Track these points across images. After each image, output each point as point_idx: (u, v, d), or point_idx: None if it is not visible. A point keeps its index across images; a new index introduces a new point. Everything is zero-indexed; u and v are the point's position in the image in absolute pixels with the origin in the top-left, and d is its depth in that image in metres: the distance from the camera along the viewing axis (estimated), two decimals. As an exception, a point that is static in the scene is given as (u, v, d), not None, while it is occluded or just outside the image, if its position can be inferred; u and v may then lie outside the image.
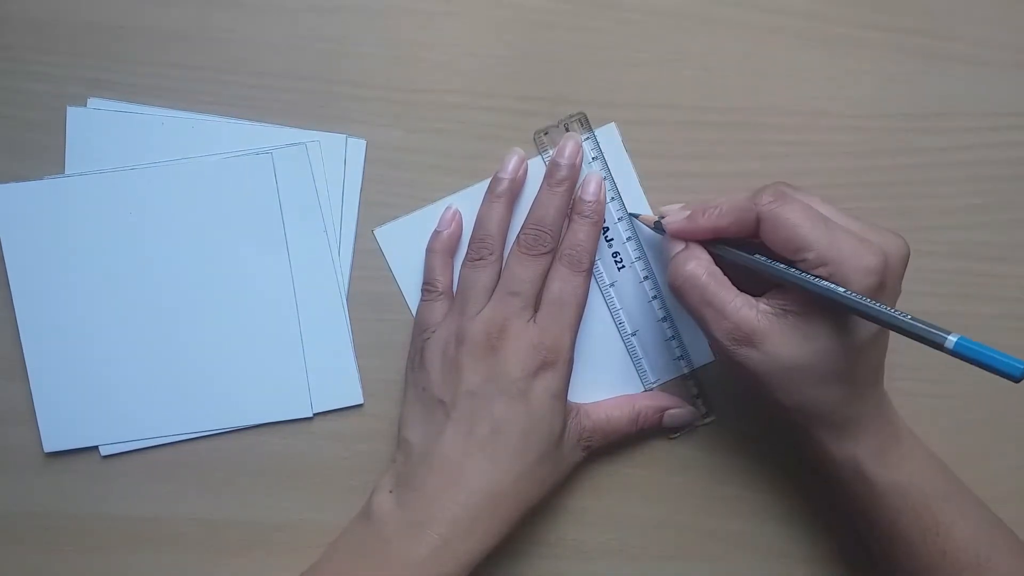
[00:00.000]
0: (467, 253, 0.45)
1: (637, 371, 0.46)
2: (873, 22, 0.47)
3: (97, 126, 0.46)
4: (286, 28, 0.46)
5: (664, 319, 0.46)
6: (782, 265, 0.39)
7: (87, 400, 0.45)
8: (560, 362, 0.42)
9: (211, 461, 0.45)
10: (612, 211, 0.46)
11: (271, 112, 0.46)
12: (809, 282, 0.37)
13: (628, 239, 0.46)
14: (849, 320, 0.38)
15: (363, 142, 0.46)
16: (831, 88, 0.47)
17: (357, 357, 0.46)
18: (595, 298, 0.46)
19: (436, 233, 0.45)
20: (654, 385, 0.46)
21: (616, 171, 0.46)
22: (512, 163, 0.45)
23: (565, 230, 0.45)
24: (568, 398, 0.43)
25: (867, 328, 0.38)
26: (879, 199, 0.47)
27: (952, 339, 0.34)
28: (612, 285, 0.46)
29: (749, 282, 0.40)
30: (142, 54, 0.46)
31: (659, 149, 0.46)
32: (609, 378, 0.46)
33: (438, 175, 0.46)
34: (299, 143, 0.46)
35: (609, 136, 0.46)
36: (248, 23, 0.46)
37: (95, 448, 0.45)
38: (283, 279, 0.46)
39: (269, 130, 0.46)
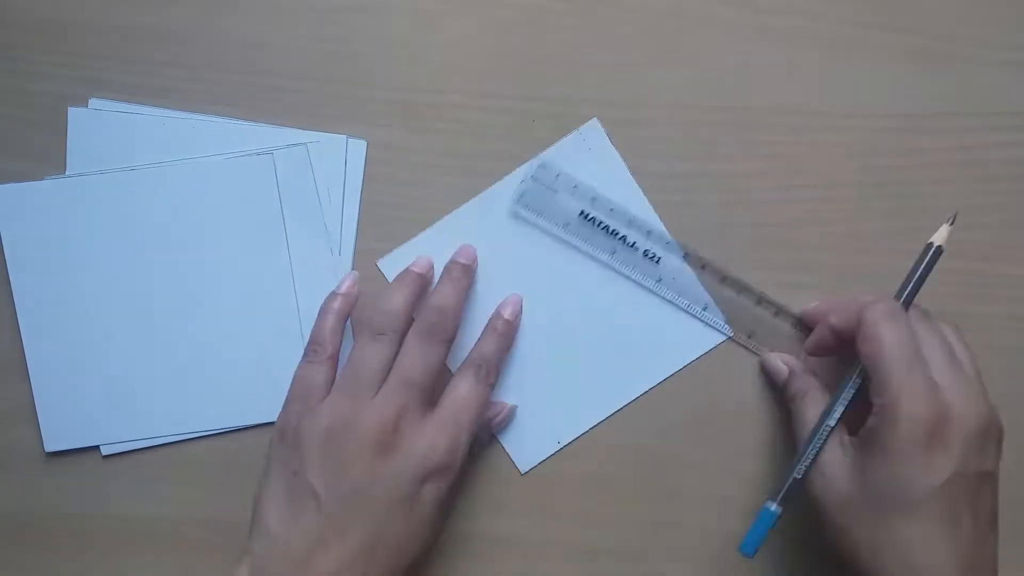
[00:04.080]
0: (365, 324, 0.42)
1: (710, 323, 0.46)
2: (872, 22, 0.47)
3: (98, 126, 0.46)
4: (286, 28, 0.46)
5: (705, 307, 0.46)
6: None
7: (88, 400, 0.45)
8: (453, 469, 0.40)
9: (211, 461, 0.45)
10: (626, 209, 0.46)
11: (271, 112, 0.46)
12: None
13: (649, 233, 0.46)
14: (896, 461, 0.37)
15: (363, 142, 0.46)
16: (831, 88, 0.47)
17: (357, 357, 0.46)
18: (660, 307, 0.46)
19: (333, 295, 0.43)
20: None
21: (605, 165, 0.46)
22: (425, 260, 0.45)
23: (479, 339, 0.44)
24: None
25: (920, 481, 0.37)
26: (879, 199, 0.47)
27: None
28: (660, 281, 0.46)
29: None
30: (142, 54, 0.46)
31: (659, 149, 0.46)
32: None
33: (438, 175, 0.46)
34: (300, 144, 0.46)
35: (593, 131, 0.46)
36: (248, 23, 0.46)
37: (96, 448, 0.45)
38: (283, 279, 0.46)
39: (269, 130, 0.46)
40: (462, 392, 0.42)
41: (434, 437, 0.40)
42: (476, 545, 0.45)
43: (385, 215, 0.46)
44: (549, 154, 0.46)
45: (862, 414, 0.39)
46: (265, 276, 0.46)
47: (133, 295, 0.45)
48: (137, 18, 0.46)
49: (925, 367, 0.37)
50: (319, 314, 0.43)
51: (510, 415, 0.45)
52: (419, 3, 0.46)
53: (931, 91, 0.47)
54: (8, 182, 0.45)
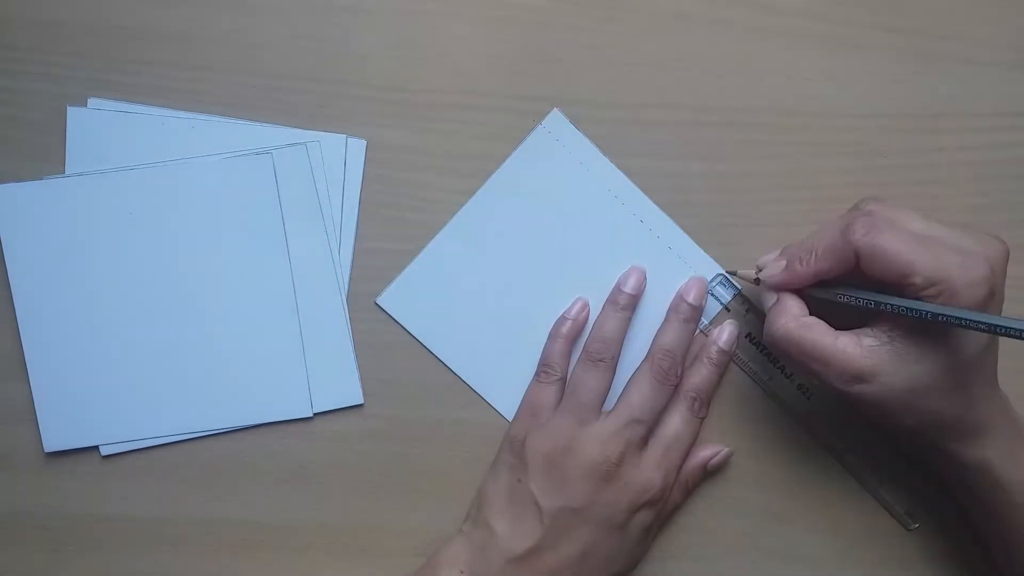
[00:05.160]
0: (585, 349, 0.45)
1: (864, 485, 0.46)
2: (872, 22, 0.47)
3: (97, 126, 0.46)
4: (286, 28, 0.46)
5: None
6: (886, 298, 0.38)
7: (87, 400, 0.45)
8: (662, 500, 0.43)
9: (211, 461, 0.45)
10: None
11: (271, 112, 0.46)
12: (916, 309, 0.37)
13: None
14: (956, 333, 0.38)
15: (363, 142, 0.46)
16: (831, 88, 0.47)
17: (357, 357, 0.46)
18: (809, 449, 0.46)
19: (563, 318, 0.45)
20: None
21: (577, 152, 0.46)
22: (633, 279, 0.45)
23: (688, 366, 0.45)
24: None
25: (976, 338, 0.38)
26: (879, 199, 0.47)
27: None
28: (810, 413, 0.46)
29: (846, 313, 0.40)
30: (142, 54, 0.46)
31: (659, 149, 0.46)
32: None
33: (438, 175, 0.46)
34: (299, 143, 0.46)
35: (557, 122, 0.46)
36: (248, 23, 0.46)
37: (95, 448, 0.45)
38: (283, 279, 0.46)
39: (269, 130, 0.46)
40: (675, 427, 0.44)
41: (650, 474, 0.43)
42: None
43: (384, 215, 0.46)
44: (519, 155, 0.46)
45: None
46: (264, 275, 0.46)
47: (132, 295, 0.45)
48: (137, 18, 0.46)
49: (937, 241, 0.38)
50: (549, 337, 0.46)
51: (725, 459, 0.46)
52: (418, 3, 0.46)
53: (931, 91, 0.47)
54: (7, 182, 0.45)
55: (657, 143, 0.47)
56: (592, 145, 0.46)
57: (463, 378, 0.46)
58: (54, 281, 0.45)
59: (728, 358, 0.46)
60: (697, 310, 0.45)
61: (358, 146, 0.46)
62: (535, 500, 0.42)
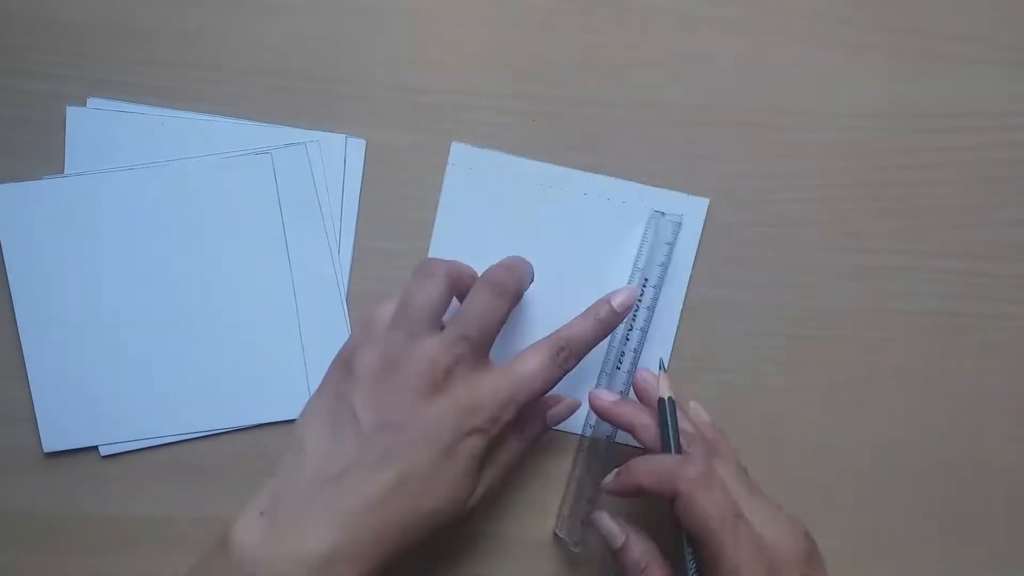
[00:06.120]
0: (418, 266, 0.41)
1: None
2: (872, 22, 0.47)
3: (97, 126, 0.46)
4: (286, 28, 0.46)
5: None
6: None
7: (87, 400, 0.45)
8: (494, 430, 0.39)
9: (211, 461, 0.45)
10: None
11: (271, 112, 0.46)
12: None
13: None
14: None
15: (363, 142, 0.46)
16: (831, 88, 0.47)
17: (357, 357, 0.46)
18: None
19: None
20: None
21: (501, 169, 0.46)
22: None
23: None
24: None
25: None
26: (879, 199, 0.47)
27: None
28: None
29: None
30: (142, 54, 0.46)
31: (659, 149, 0.46)
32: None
33: (438, 175, 0.46)
34: (299, 143, 0.46)
35: (463, 153, 0.46)
36: (248, 23, 0.46)
37: (95, 448, 0.45)
38: (283, 279, 0.46)
39: (269, 130, 0.46)
40: (531, 367, 0.40)
41: (481, 399, 0.39)
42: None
43: (384, 214, 0.46)
44: (447, 196, 0.46)
45: None
46: (264, 275, 0.46)
47: (131, 295, 0.45)
48: (136, 18, 0.46)
49: (747, 525, 0.37)
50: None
51: (568, 410, 0.44)
52: (419, 3, 0.46)
53: (931, 91, 0.47)
54: (7, 182, 0.45)
55: (657, 143, 0.47)
56: (504, 154, 0.46)
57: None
58: (52, 281, 0.45)
59: (618, 320, 0.42)
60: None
61: (358, 146, 0.46)
62: (355, 414, 0.37)
